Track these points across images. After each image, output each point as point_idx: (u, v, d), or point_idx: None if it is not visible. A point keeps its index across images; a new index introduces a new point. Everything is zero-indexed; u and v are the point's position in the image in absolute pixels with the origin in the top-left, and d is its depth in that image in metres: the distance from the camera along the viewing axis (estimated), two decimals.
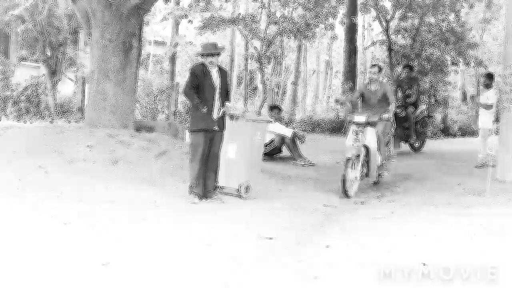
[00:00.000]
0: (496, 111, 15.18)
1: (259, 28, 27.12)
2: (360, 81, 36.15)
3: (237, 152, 10.37)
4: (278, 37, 28.17)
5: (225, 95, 10.13)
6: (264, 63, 27.64)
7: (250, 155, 10.49)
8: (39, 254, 5.98)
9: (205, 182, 9.98)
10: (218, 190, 10.25)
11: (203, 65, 9.98)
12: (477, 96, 20.70)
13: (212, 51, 9.95)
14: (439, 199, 10.43)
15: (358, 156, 11.43)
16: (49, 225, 7.28)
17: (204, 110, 9.71)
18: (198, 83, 9.84)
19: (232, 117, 10.38)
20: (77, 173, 10.64)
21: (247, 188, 10.36)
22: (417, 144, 18.77)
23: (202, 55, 10.06)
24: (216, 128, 9.91)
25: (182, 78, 39.06)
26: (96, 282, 5.32)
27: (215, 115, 9.87)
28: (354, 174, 11.38)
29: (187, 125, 9.90)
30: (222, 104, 10.00)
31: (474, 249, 6.50)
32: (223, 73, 10.19)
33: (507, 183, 11.56)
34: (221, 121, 10.05)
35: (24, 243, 6.35)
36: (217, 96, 9.93)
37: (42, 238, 6.64)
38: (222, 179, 10.34)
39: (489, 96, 15.17)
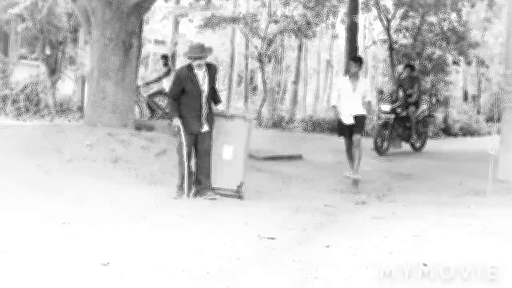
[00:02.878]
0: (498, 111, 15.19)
1: (260, 27, 27.15)
2: None
3: (233, 152, 10.27)
4: (279, 36, 28.19)
5: (213, 96, 10.11)
6: (265, 62, 27.68)
7: (246, 155, 10.42)
8: (38, 254, 5.94)
9: (198, 180, 10.02)
10: (213, 191, 10.17)
11: (189, 67, 9.85)
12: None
13: (199, 54, 9.76)
14: (440, 199, 10.40)
15: None
16: (48, 225, 7.25)
17: (175, 129, 9.81)
18: (184, 88, 9.79)
19: (226, 116, 10.34)
20: (76, 172, 10.63)
21: (244, 188, 10.25)
22: (418, 144, 18.76)
23: (189, 58, 9.87)
24: (203, 130, 9.93)
25: None
26: (95, 282, 5.28)
27: (203, 120, 9.88)
28: None
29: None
30: (209, 108, 9.98)
31: (475, 249, 6.47)
32: (211, 70, 10.06)
33: (509, 183, 11.54)
34: (210, 120, 10.02)
35: (23, 243, 6.31)
36: (203, 100, 9.84)
37: (41, 238, 6.61)
38: (218, 181, 10.26)
39: None
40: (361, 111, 12.09)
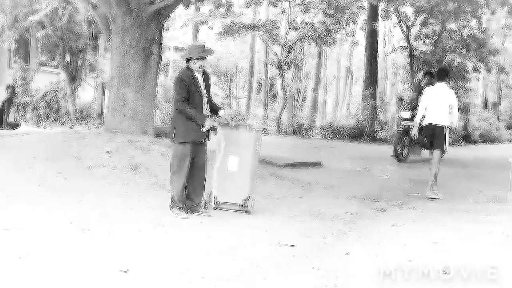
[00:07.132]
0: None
1: (279, 34, 27.18)
2: (381, 88, 36.06)
3: (239, 164, 9.65)
4: (298, 43, 28.20)
5: (210, 104, 9.40)
6: (284, 69, 27.70)
7: (254, 167, 9.83)
8: (58, 260, 5.96)
9: (191, 196, 9.28)
10: (215, 205, 9.61)
11: (189, 70, 9.12)
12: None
13: (201, 54, 9.10)
14: (460, 206, 10.35)
15: None
16: (68, 231, 7.27)
17: (206, 128, 8.98)
18: (187, 92, 9.01)
19: (230, 125, 9.60)
20: (96, 179, 10.64)
21: (251, 202, 9.64)
22: None
23: (190, 59, 9.11)
24: (202, 140, 9.21)
25: None
26: None
27: (207, 125, 9.01)
28: None
29: (173, 135, 9.10)
30: (216, 113, 9.40)
31: (495, 256, 6.43)
32: (206, 76, 9.36)
33: None
34: (207, 132, 9.25)
35: (43, 249, 6.34)
36: (205, 104, 9.20)
37: (60, 244, 6.64)
38: (222, 194, 9.63)
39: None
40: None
